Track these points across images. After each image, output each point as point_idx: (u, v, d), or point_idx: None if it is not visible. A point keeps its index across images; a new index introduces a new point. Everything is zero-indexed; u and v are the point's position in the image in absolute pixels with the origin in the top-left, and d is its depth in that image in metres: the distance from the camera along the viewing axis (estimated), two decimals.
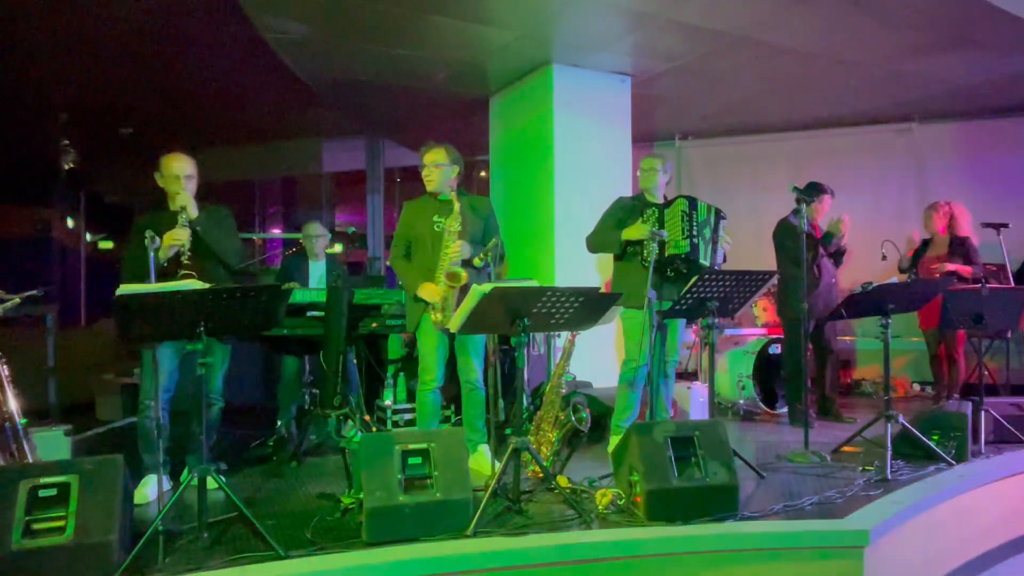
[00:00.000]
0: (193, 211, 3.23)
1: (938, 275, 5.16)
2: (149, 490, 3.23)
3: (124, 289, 2.40)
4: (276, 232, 11.47)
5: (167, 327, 2.51)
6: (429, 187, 3.71)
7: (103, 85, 7.49)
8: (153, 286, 2.58)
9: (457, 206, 3.60)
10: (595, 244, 4.01)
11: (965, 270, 5.17)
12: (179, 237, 3.15)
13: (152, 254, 2.78)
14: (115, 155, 9.91)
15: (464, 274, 3.52)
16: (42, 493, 2.30)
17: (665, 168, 4.02)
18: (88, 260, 11.51)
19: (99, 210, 11.79)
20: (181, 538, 2.65)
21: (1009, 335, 5.34)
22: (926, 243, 5.52)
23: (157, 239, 2.87)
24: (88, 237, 11.87)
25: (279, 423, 4.56)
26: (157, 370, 2.89)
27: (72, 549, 2.24)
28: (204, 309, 2.50)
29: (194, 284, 2.59)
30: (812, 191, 4.88)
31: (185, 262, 3.14)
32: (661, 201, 3.98)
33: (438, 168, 3.66)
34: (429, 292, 3.59)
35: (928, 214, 5.48)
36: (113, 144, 9.30)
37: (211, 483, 2.66)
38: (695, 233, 3.74)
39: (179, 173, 3.28)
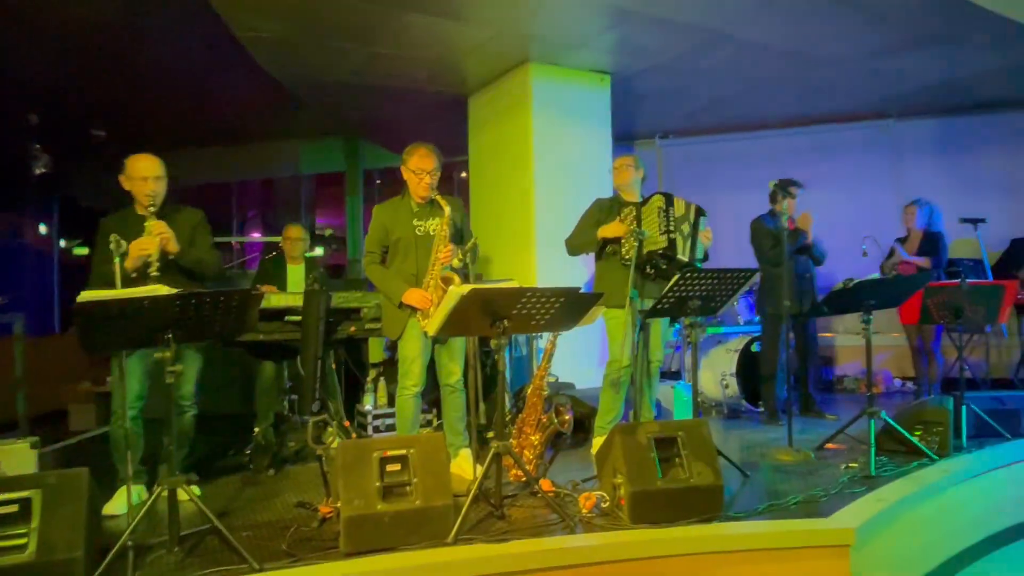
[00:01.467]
0: (175, 245, 3.11)
1: (895, 258, 5.32)
2: (120, 502, 3.13)
3: (86, 295, 2.31)
4: (255, 236, 11.33)
5: (133, 335, 2.42)
6: (427, 192, 3.56)
7: (75, 87, 7.34)
8: (117, 292, 2.49)
9: (448, 210, 3.53)
10: (574, 246, 4.03)
11: (919, 260, 5.24)
12: (146, 247, 2.99)
13: (118, 259, 2.70)
14: (89, 158, 9.72)
15: (457, 278, 3.46)
16: (2, 509, 2.21)
17: (638, 166, 4.01)
18: (62, 266, 11.28)
19: (73, 215, 11.55)
20: (152, 552, 2.57)
21: (988, 329, 5.36)
22: (903, 240, 5.55)
23: (124, 243, 2.79)
24: (62, 243, 11.65)
25: (256, 430, 4.47)
26: (125, 378, 2.80)
27: (34, 567, 2.15)
28: (172, 316, 2.42)
29: (161, 289, 2.50)
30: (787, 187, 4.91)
31: (153, 273, 2.93)
32: (638, 200, 3.98)
33: (438, 173, 3.58)
34: (418, 298, 3.50)
35: (908, 211, 5.51)
36: (87, 147, 9.12)
37: (186, 494, 2.58)
38: (672, 229, 3.76)
39: (147, 174, 3.17)
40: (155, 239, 3.01)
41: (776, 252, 4.65)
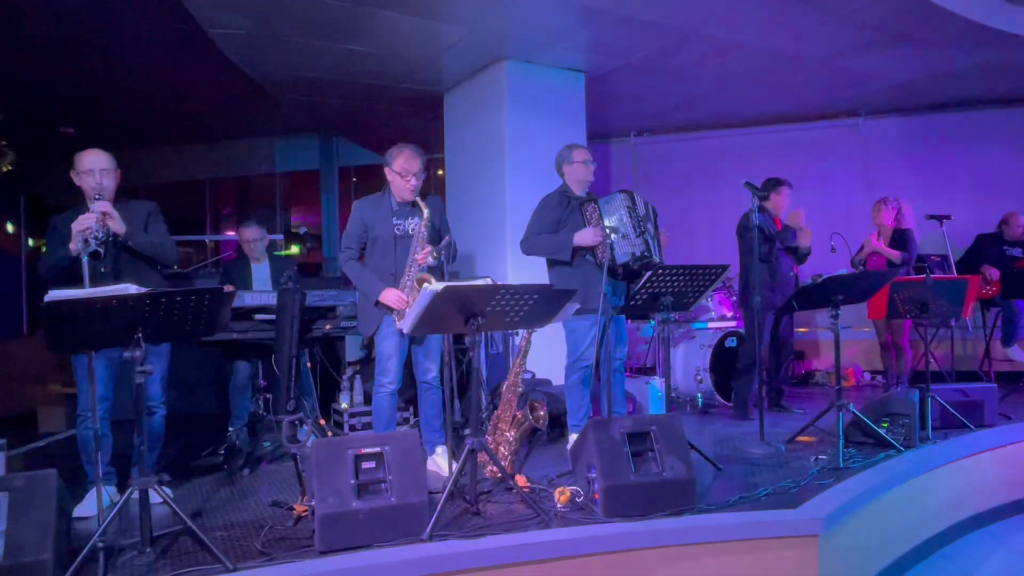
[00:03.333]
0: (120, 226, 3.07)
1: (866, 249, 5.46)
2: (92, 504, 3.09)
3: (55, 295, 2.28)
4: (231, 234, 11.18)
5: (102, 334, 2.39)
6: (411, 194, 3.55)
7: (42, 83, 7.20)
8: (86, 290, 2.46)
9: (427, 212, 3.53)
10: (537, 248, 3.84)
11: (893, 253, 5.34)
12: (85, 221, 2.94)
13: (86, 258, 2.66)
14: (57, 156, 9.53)
15: (433, 279, 3.46)
16: None
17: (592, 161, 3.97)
18: (30, 266, 11.05)
19: (41, 214, 11.34)
20: (123, 554, 2.54)
21: (953, 323, 5.50)
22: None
23: (91, 242, 2.75)
24: (30, 242, 11.43)
25: (230, 430, 4.44)
26: (94, 379, 2.76)
27: (3, 570, 2.12)
28: (142, 314, 2.40)
29: (125, 287, 2.47)
30: (768, 185, 4.97)
31: (89, 248, 2.89)
32: (582, 195, 3.89)
33: (423, 174, 3.57)
34: (394, 298, 3.49)
35: (877, 207, 5.63)
36: (55, 145, 8.95)
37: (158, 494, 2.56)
38: (643, 230, 3.71)
39: (93, 167, 3.15)
40: (93, 215, 2.96)
41: (766, 248, 4.76)
